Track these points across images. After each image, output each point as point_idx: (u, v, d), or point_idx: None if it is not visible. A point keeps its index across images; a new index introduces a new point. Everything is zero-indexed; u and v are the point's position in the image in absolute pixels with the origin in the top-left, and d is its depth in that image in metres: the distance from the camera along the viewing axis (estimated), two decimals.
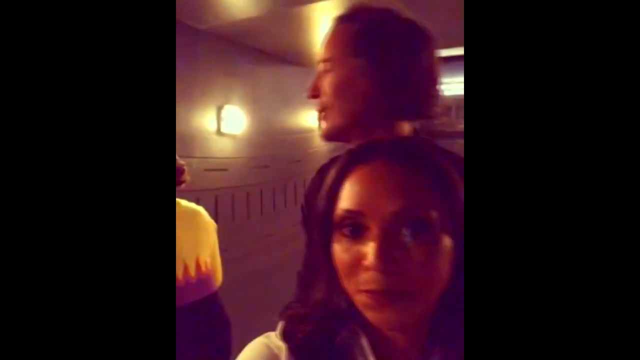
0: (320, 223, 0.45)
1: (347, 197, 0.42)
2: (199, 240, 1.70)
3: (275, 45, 3.59)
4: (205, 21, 3.08)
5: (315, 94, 0.76)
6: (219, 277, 1.77)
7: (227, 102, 3.49)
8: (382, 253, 0.39)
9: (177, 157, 1.69)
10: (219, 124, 3.42)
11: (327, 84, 0.73)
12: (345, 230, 0.42)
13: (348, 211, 0.42)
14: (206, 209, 1.80)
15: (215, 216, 1.88)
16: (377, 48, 0.69)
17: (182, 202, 1.71)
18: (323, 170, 0.85)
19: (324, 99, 0.74)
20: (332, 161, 0.86)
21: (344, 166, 0.45)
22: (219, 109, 3.41)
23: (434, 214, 0.40)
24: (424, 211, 0.40)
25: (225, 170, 3.41)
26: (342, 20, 0.73)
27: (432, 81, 0.74)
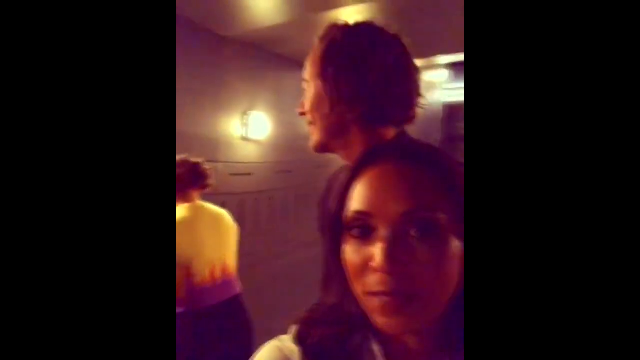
0: (331, 225, 0.45)
1: (356, 199, 0.43)
2: (225, 242, 1.73)
3: (300, 52, 3.62)
4: (232, 28, 3.14)
5: (301, 111, 0.82)
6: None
7: (252, 108, 3.54)
8: (390, 254, 0.38)
9: (203, 162, 1.72)
10: (244, 129, 3.47)
11: (306, 101, 0.79)
12: (355, 232, 0.42)
13: (357, 212, 0.42)
14: (231, 212, 1.83)
15: (239, 220, 1.91)
16: (343, 60, 0.74)
17: (208, 205, 1.74)
18: (334, 179, 0.88)
19: (308, 115, 0.80)
20: (343, 170, 0.88)
21: (355, 168, 0.45)
22: (244, 115, 3.46)
23: (443, 216, 0.40)
24: (433, 212, 0.40)
25: (249, 174, 3.46)
26: (318, 41, 0.78)
27: (405, 85, 0.75)
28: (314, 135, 0.80)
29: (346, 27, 0.77)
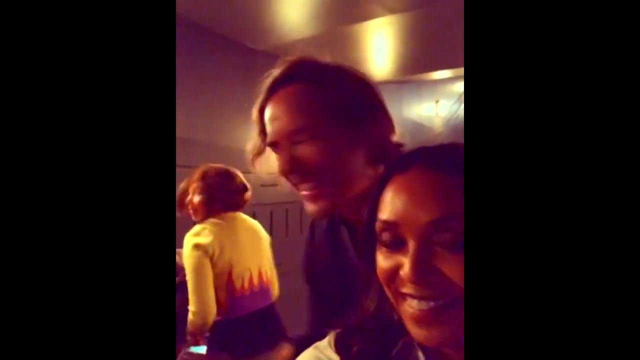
0: (364, 233, 0.45)
1: (385, 207, 0.42)
2: (261, 251, 1.75)
3: None
4: (264, 42, 3.21)
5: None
6: (276, 289, 1.81)
7: None
8: (418, 265, 0.38)
9: (241, 176, 1.76)
10: None
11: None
12: (385, 241, 0.41)
13: (385, 222, 0.41)
14: (261, 222, 1.86)
15: (270, 230, 1.93)
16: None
17: (243, 215, 1.77)
18: (316, 225, 0.83)
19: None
20: (321, 225, 0.83)
21: (385, 175, 0.44)
22: None
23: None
24: (460, 220, 0.38)
25: (277, 185, 3.48)
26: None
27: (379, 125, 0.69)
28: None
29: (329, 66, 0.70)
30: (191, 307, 1.48)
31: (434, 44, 3.72)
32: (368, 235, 0.44)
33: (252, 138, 0.74)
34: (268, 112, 0.67)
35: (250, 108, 0.74)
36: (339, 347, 0.45)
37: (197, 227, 1.58)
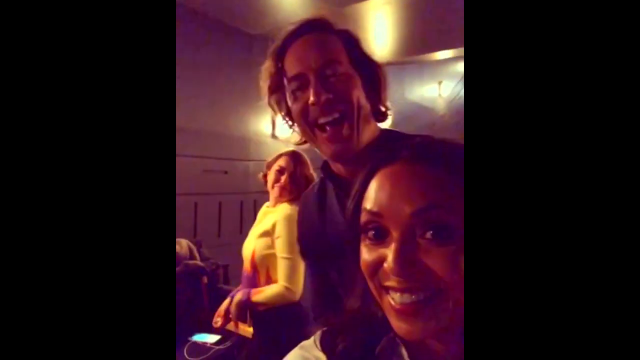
0: (350, 225, 0.45)
1: (369, 198, 0.43)
2: None
3: None
4: (259, 26, 3.14)
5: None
6: None
7: None
8: (401, 257, 0.38)
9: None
10: (274, 128, 3.48)
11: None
12: (370, 233, 0.42)
13: (369, 212, 0.42)
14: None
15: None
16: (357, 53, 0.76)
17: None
18: (308, 194, 0.88)
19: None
20: (313, 185, 0.87)
21: (371, 168, 0.45)
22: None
23: (455, 216, 0.39)
24: (444, 212, 0.39)
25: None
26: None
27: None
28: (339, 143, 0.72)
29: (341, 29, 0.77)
30: (288, 284, 1.50)
31: (435, 23, 3.64)
32: (354, 228, 0.44)
33: (266, 77, 0.77)
34: (292, 55, 0.72)
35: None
36: (324, 346, 0.46)
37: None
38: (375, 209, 0.41)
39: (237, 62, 3.25)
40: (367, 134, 0.72)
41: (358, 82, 0.72)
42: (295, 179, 1.66)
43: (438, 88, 5.79)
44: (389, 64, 4.55)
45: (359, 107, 0.71)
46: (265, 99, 0.79)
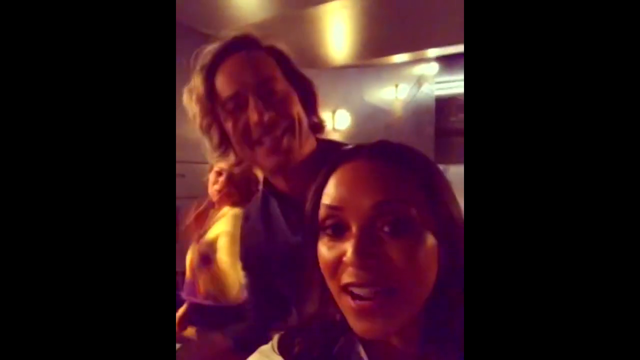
0: (308, 223, 0.45)
1: (329, 194, 0.43)
2: None
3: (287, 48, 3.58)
4: (215, 26, 3.08)
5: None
6: None
7: None
8: (361, 248, 0.38)
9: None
10: None
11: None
12: (328, 229, 0.42)
13: (329, 207, 0.42)
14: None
15: None
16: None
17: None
18: (252, 206, 0.88)
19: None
20: (254, 200, 0.86)
21: (330, 166, 0.45)
22: None
23: (414, 210, 0.40)
24: (403, 205, 0.40)
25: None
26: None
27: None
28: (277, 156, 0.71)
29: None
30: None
31: (393, 27, 3.73)
32: (312, 227, 0.44)
33: (195, 99, 0.73)
34: (224, 74, 0.70)
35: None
36: (282, 349, 0.46)
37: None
38: (335, 204, 0.41)
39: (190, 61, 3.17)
40: (306, 146, 0.73)
41: (295, 97, 0.73)
42: (235, 182, 1.57)
43: (395, 91, 5.93)
44: (348, 66, 4.60)
45: (299, 121, 0.71)
46: (197, 122, 0.75)
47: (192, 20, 3.04)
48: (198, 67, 0.73)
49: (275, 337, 0.48)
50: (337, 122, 4.50)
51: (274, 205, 0.79)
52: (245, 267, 0.87)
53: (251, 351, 0.50)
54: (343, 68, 4.47)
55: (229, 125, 0.72)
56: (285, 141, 0.69)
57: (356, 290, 0.39)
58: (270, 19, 2.94)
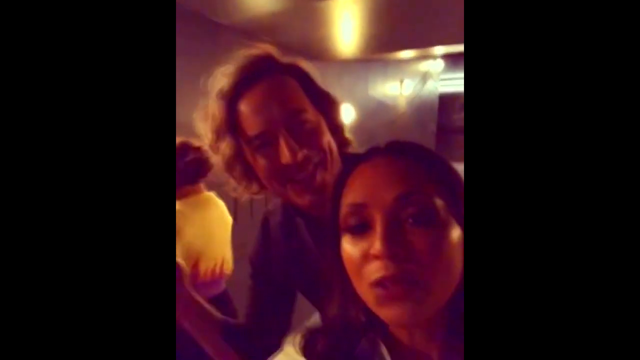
0: (329, 226, 0.45)
1: (350, 193, 0.43)
2: (227, 237, 1.71)
3: (295, 40, 3.60)
4: (228, 16, 3.09)
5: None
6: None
7: None
8: (388, 238, 0.38)
9: (202, 145, 1.66)
10: None
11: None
12: (352, 227, 0.42)
13: (352, 205, 0.42)
14: (225, 204, 1.82)
15: (234, 211, 1.91)
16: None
17: (215, 197, 1.70)
18: (267, 219, 0.83)
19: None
20: (274, 210, 0.82)
21: (346, 168, 0.46)
22: None
23: (438, 201, 0.40)
24: (425, 197, 0.40)
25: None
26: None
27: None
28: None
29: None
30: None
31: (400, 23, 3.73)
32: (333, 229, 0.45)
33: (213, 125, 0.69)
34: (248, 109, 0.65)
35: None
36: (305, 349, 0.46)
37: None
38: (358, 201, 0.42)
39: (202, 50, 3.19)
40: (336, 169, 0.67)
41: (324, 125, 0.69)
42: (188, 173, 1.57)
43: (400, 86, 5.92)
44: (354, 60, 4.60)
45: (331, 151, 0.67)
46: (223, 157, 0.70)
47: (204, 8, 3.05)
48: (216, 93, 0.68)
49: (298, 337, 0.48)
50: (342, 116, 4.49)
51: (301, 225, 0.75)
52: (254, 276, 0.84)
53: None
54: (349, 62, 4.46)
55: (256, 162, 0.67)
56: (318, 177, 0.65)
57: (384, 277, 0.39)
58: (280, 11, 2.95)
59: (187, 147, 1.56)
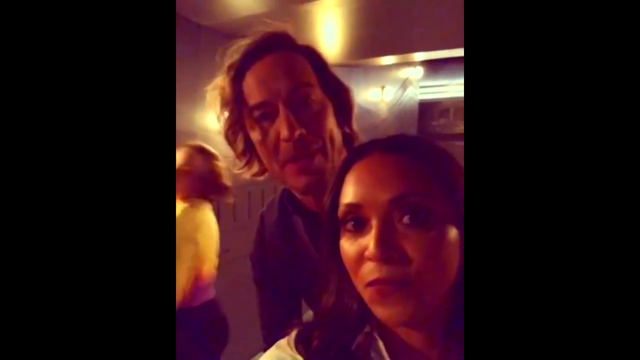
0: (327, 222, 0.45)
1: (347, 192, 0.43)
2: (216, 243, 1.71)
3: None
4: (209, 17, 3.07)
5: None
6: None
7: None
8: (381, 242, 0.38)
9: (216, 155, 1.64)
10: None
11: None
12: (349, 225, 0.42)
13: (348, 205, 0.42)
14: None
15: (217, 215, 1.88)
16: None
17: (207, 207, 1.68)
18: (263, 217, 0.81)
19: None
20: (270, 208, 0.81)
21: (345, 164, 0.45)
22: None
23: (433, 202, 0.40)
24: (422, 198, 0.40)
25: (227, 170, 3.40)
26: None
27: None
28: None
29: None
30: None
31: (382, 29, 3.77)
32: (331, 224, 0.44)
33: (220, 98, 0.67)
34: (254, 78, 0.62)
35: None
36: (300, 344, 0.46)
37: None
38: (354, 201, 0.42)
39: (183, 53, 3.15)
40: (338, 162, 0.64)
41: (330, 110, 0.65)
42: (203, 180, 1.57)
43: (381, 92, 5.98)
44: (336, 65, 4.63)
45: (332, 139, 0.64)
46: (221, 127, 0.69)
47: (186, 10, 3.02)
48: (225, 67, 0.66)
49: (293, 332, 0.47)
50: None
51: (299, 223, 0.73)
52: (256, 277, 0.83)
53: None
54: (331, 67, 4.47)
55: (255, 135, 0.65)
56: (316, 161, 0.62)
57: (379, 286, 0.39)
58: (262, 13, 2.95)
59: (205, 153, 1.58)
